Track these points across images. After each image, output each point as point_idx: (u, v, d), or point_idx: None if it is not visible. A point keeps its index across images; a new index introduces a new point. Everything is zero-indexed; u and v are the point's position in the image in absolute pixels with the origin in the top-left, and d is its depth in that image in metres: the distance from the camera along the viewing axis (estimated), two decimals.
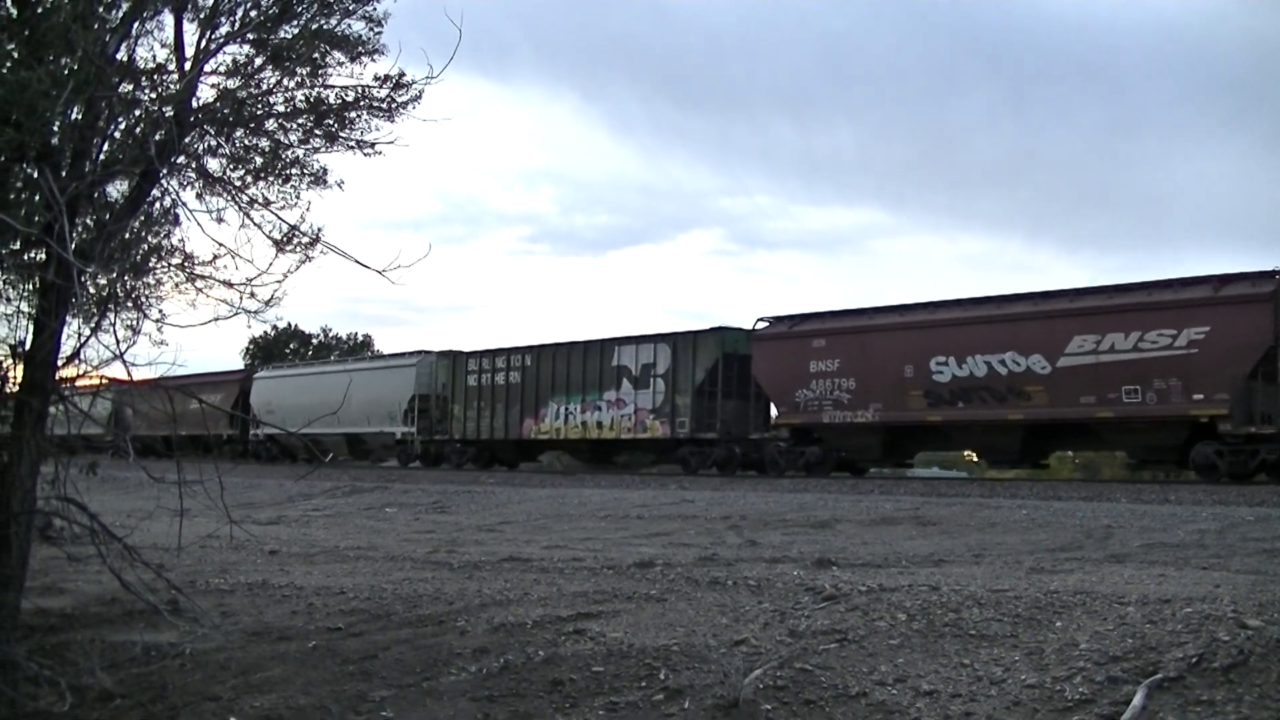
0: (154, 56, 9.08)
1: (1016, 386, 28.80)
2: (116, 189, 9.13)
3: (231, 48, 9.08)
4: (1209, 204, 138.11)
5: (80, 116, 8.25)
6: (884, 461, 34.87)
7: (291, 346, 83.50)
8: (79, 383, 8.92)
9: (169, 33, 8.94)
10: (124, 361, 8.30)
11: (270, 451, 54.41)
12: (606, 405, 38.67)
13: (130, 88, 8.80)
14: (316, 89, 9.42)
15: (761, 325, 35.07)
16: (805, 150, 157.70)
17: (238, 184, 9.45)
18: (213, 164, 9.51)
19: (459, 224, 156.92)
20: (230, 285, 9.36)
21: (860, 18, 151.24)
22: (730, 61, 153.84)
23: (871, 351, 31.71)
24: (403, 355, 49.18)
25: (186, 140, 8.88)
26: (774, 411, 34.87)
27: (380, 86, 9.38)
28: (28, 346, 8.44)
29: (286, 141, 9.54)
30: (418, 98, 9.40)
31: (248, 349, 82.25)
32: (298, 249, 9.30)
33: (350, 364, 52.03)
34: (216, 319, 9.42)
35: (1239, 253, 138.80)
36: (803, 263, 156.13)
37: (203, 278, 9.43)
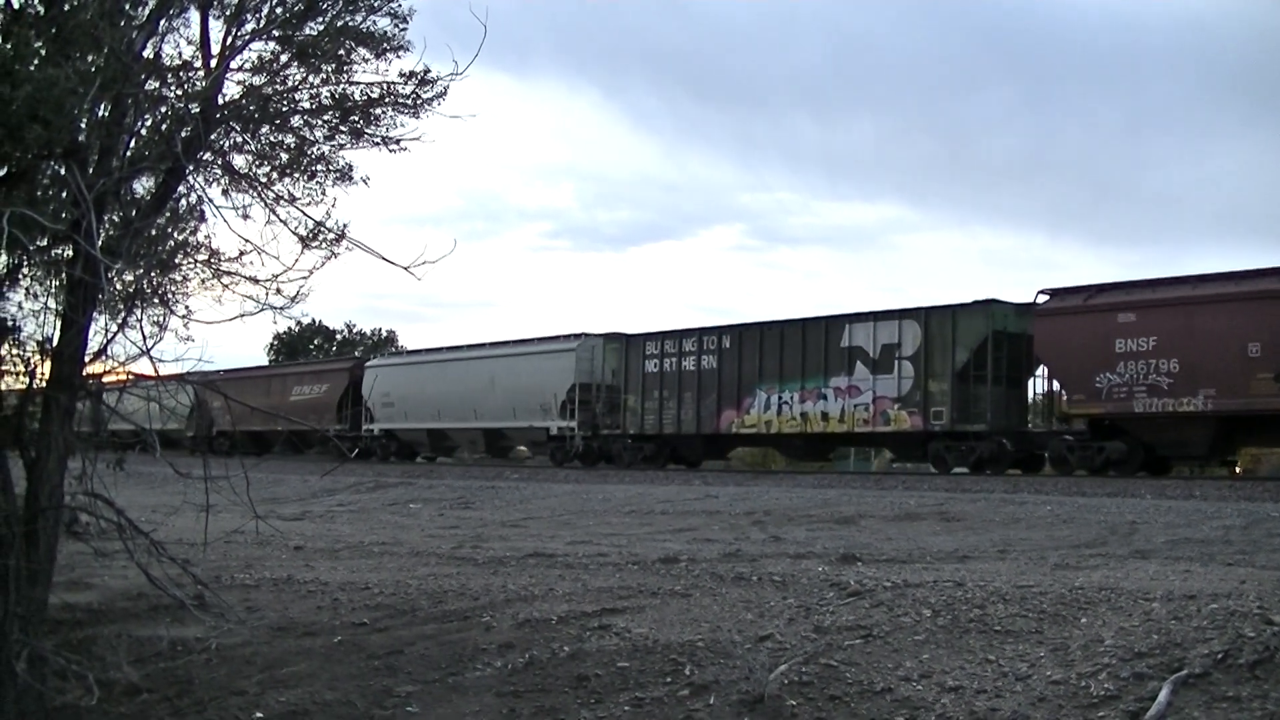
0: (180, 53, 9.12)
1: None
2: (143, 186, 9.18)
3: (257, 44, 9.10)
4: (1229, 199, 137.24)
5: (107, 113, 8.28)
6: (1209, 458, 29.33)
7: (315, 342, 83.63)
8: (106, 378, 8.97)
9: (195, 30, 8.99)
10: (151, 358, 8.35)
11: (387, 449, 49.33)
12: (834, 393, 32.94)
13: (157, 85, 8.83)
14: (342, 85, 9.43)
15: (1043, 298, 29.36)
16: (826, 146, 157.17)
17: (263, 180, 9.48)
18: (238, 160, 9.54)
19: (480, 219, 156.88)
20: (256, 281, 9.40)
21: (878, 13, 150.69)
22: (750, 57, 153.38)
23: (1201, 327, 26.30)
24: (558, 339, 42.54)
25: (212, 137, 8.91)
26: (1063, 399, 29.18)
27: (405, 83, 9.39)
28: (55, 343, 8.48)
29: (312, 138, 9.56)
30: (443, 94, 9.41)
31: (272, 345, 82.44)
32: (323, 245, 9.33)
33: (490, 349, 45.67)
34: (242, 315, 9.47)
35: (1260, 248, 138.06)
36: (825, 258, 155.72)
37: (229, 274, 9.47)
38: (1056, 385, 29.57)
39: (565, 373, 40.35)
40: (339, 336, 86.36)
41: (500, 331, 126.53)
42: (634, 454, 38.21)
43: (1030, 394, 31.63)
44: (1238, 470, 33.71)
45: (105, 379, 8.98)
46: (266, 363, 73.60)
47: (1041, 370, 30.36)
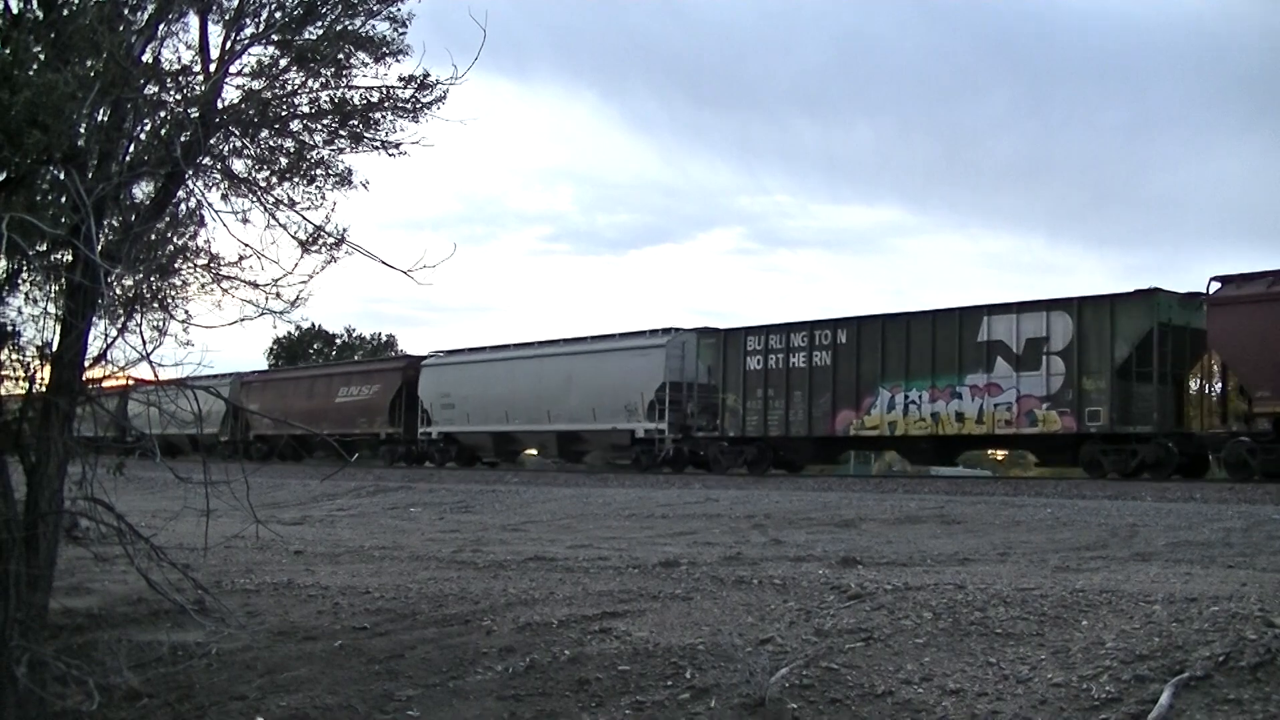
0: (179, 58, 9.11)
1: None
2: (142, 190, 9.18)
3: (256, 49, 9.10)
4: (1230, 202, 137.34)
5: (106, 118, 8.29)
6: None
7: (315, 347, 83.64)
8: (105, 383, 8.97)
9: (194, 34, 8.98)
10: (150, 362, 8.36)
11: (446, 454, 46.57)
12: (971, 392, 30.44)
13: (156, 89, 8.83)
14: (341, 90, 9.43)
15: (1215, 286, 26.66)
16: (825, 149, 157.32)
17: (263, 185, 9.48)
18: (238, 165, 9.54)
19: (479, 224, 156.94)
20: (256, 286, 9.39)
21: (878, 16, 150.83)
22: (748, 60, 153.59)
23: None
24: (644, 334, 39.70)
25: (212, 141, 8.91)
26: (1242, 397, 26.76)
27: (405, 87, 9.39)
28: (55, 348, 8.48)
29: (311, 142, 9.56)
30: (442, 98, 9.40)
31: (272, 349, 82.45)
32: (323, 249, 9.33)
33: (567, 346, 42.76)
34: (242, 319, 9.45)
35: (1260, 251, 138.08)
36: (824, 262, 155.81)
37: (228, 278, 9.46)
38: (1233, 382, 27.41)
39: (654, 370, 38.01)
40: (339, 341, 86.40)
41: (499, 335, 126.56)
42: (732, 458, 35.98)
43: (1191, 391, 29.61)
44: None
45: (129, 383, 9.00)
46: (318, 361, 72.11)
47: (1208, 365, 28.39)
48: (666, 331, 38.73)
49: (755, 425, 34.90)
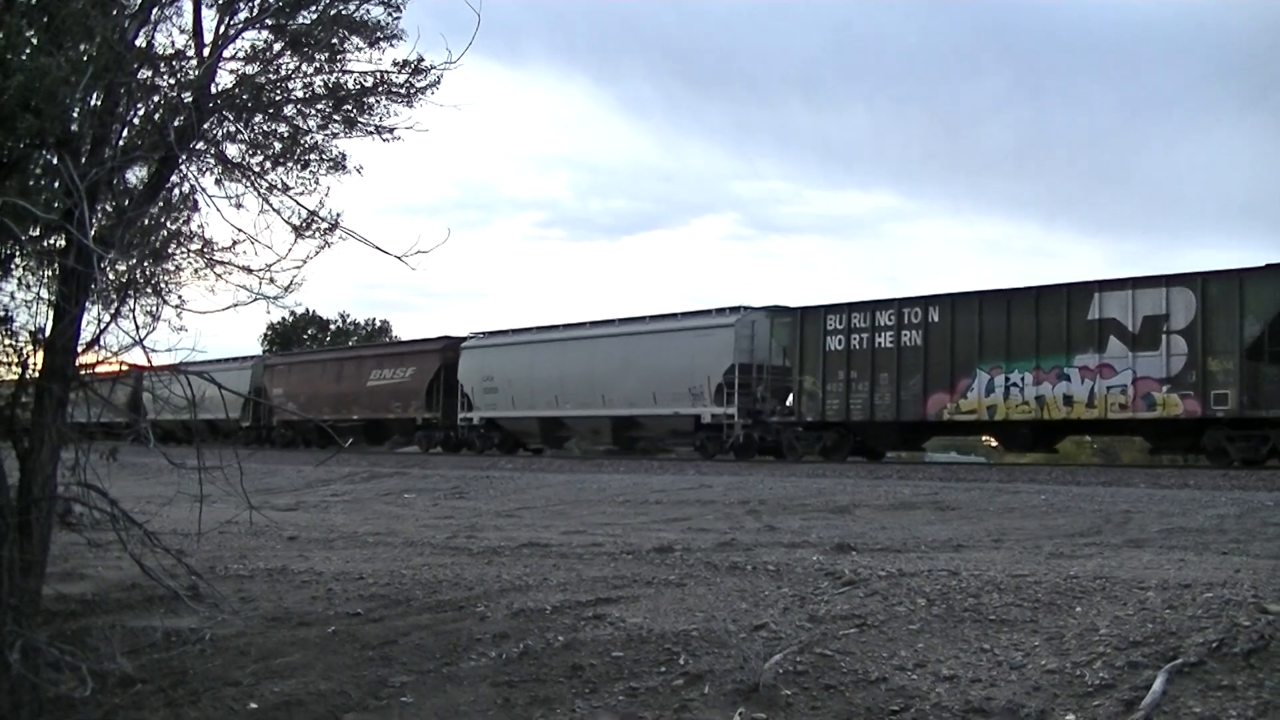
0: (173, 42, 9.07)
1: None
2: (136, 175, 9.14)
3: (250, 33, 9.06)
4: (1226, 187, 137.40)
5: (100, 103, 8.25)
6: None
7: (310, 332, 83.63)
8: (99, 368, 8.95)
9: (188, 18, 8.94)
10: (144, 348, 8.34)
11: (488, 440, 44.20)
12: (1080, 374, 28.35)
13: (149, 74, 8.81)
14: (335, 74, 9.40)
15: None
16: (819, 134, 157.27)
17: (257, 170, 9.45)
18: (232, 150, 9.51)
19: (474, 209, 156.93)
20: (249, 271, 9.36)
21: (873, 0, 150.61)
22: (742, 44, 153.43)
23: None
24: (711, 313, 37.42)
25: (205, 126, 8.88)
26: None
27: (399, 72, 9.37)
28: (48, 333, 8.46)
29: (305, 127, 9.53)
30: (436, 83, 9.38)
31: (266, 335, 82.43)
32: (317, 234, 9.30)
33: (624, 326, 40.10)
34: (236, 305, 9.42)
35: (1256, 236, 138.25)
36: (819, 247, 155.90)
37: (222, 263, 9.43)
38: None
39: (722, 351, 35.65)
40: (333, 326, 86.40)
41: (495, 321, 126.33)
42: (809, 444, 33.89)
43: None
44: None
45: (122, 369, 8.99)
46: (350, 344, 69.54)
47: None
48: (735, 310, 36.59)
49: (836, 409, 32.92)
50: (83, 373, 8.66)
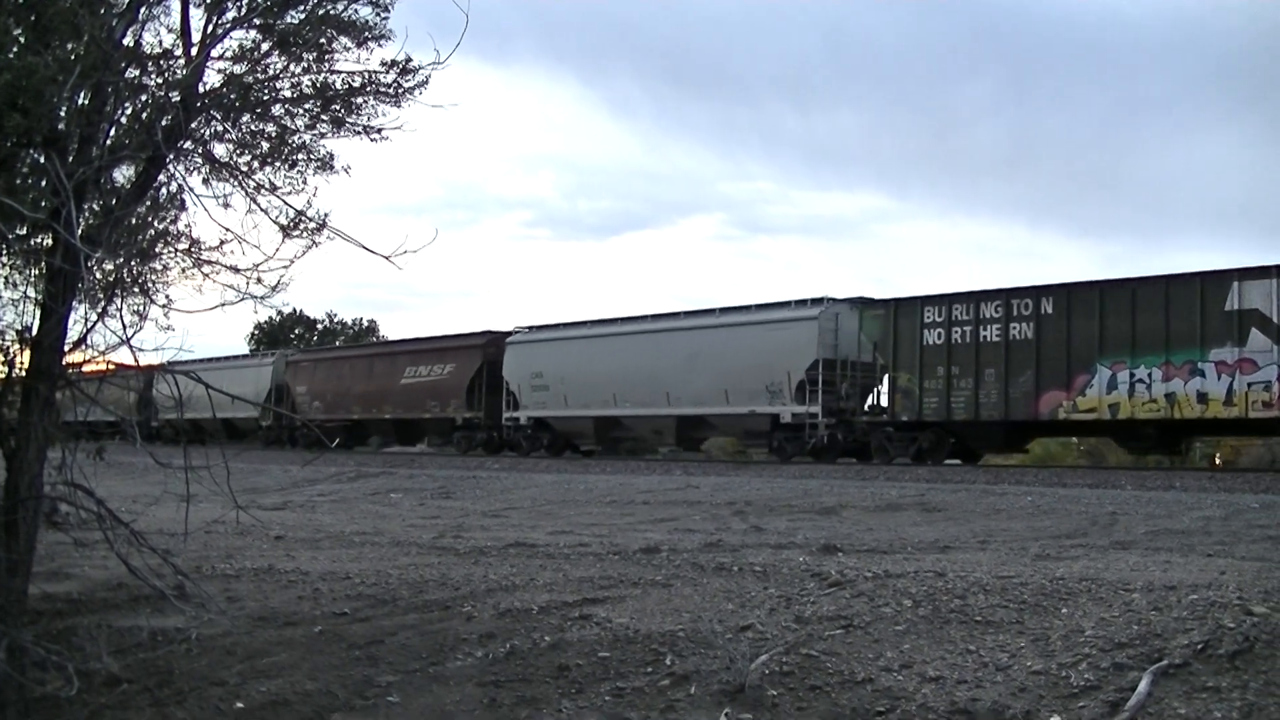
0: (160, 42, 9.05)
1: None
2: (123, 174, 9.13)
3: (238, 33, 9.05)
4: (1213, 191, 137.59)
5: (87, 102, 8.25)
6: None
7: (297, 332, 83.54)
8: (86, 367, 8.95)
9: (176, 18, 8.93)
10: (131, 347, 8.33)
11: (536, 441, 41.21)
12: (1215, 370, 25.74)
13: (137, 73, 8.80)
14: (323, 74, 9.39)
15: None
16: (807, 135, 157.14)
17: (244, 169, 9.44)
18: (219, 149, 9.49)
19: (461, 209, 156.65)
20: (237, 270, 9.35)
21: (862, 1, 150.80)
22: (731, 45, 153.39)
23: None
24: (790, 304, 34.43)
25: (193, 125, 8.87)
26: None
27: (387, 72, 9.36)
28: (35, 332, 8.45)
29: (293, 127, 9.52)
30: (424, 83, 9.37)
31: (253, 334, 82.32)
32: (304, 234, 9.29)
33: (690, 319, 37.41)
34: (223, 304, 9.41)
35: (1247, 239, 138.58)
36: (806, 248, 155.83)
37: (209, 263, 9.42)
38: None
39: (804, 346, 32.77)
40: (320, 326, 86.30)
41: (482, 321, 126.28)
42: (902, 446, 31.14)
43: None
44: (1218, 462, 33.22)
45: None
46: (377, 340, 66.16)
47: None
48: (818, 301, 33.61)
49: (935, 408, 30.29)
50: (97, 370, 8.68)
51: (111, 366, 9.06)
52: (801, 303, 34.03)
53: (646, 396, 37.18)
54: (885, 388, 32.68)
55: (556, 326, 42.29)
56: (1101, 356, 27.28)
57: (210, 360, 56.70)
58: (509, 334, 43.19)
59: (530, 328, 42.99)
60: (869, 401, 33.68)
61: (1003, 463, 32.45)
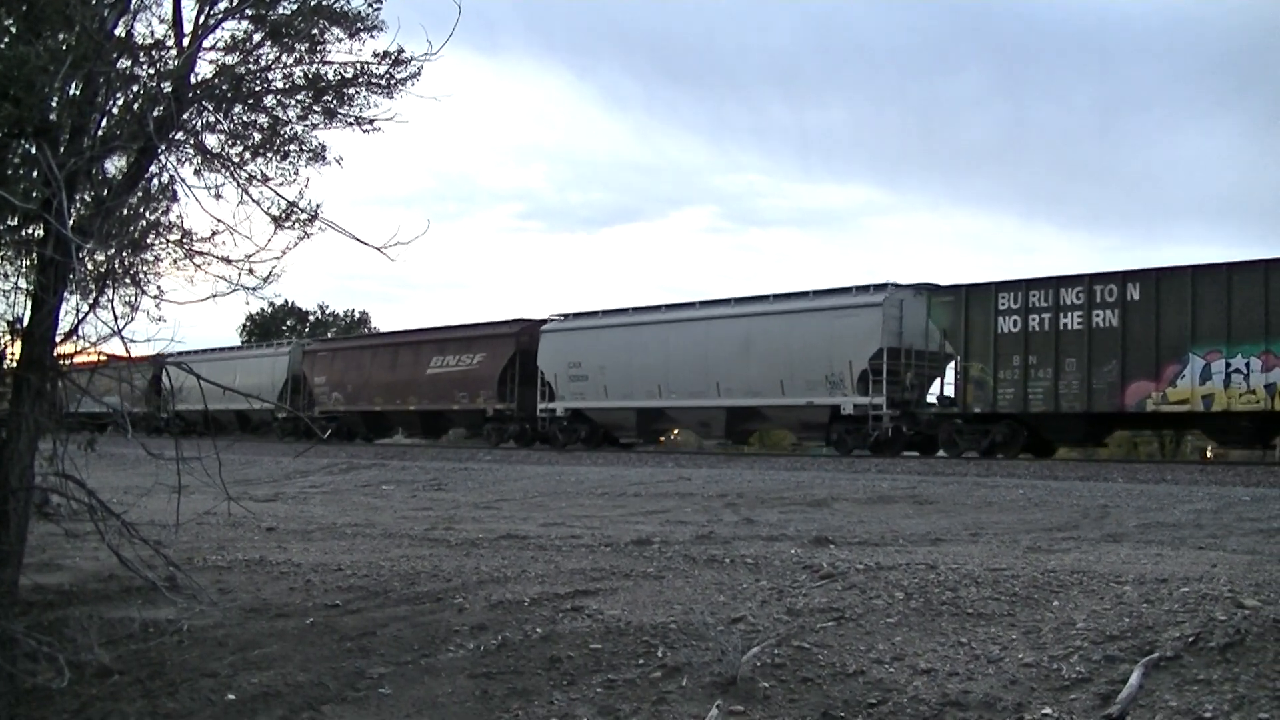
0: (152, 32, 9.05)
1: None
2: (115, 165, 9.13)
3: (230, 23, 9.06)
4: (1203, 183, 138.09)
5: (79, 92, 8.23)
6: None
7: (289, 324, 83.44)
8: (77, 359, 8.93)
9: (167, 8, 8.93)
10: (122, 338, 8.31)
11: (573, 433, 39.38)
12: None
13: (129, 63, 8.78)
14: (315, 65, 9.39)
15: None
16: (798, 128, 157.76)
17: (236, 160, 9.43)
18: (211, 140, 9.49)
19: (452, 200, 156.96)
20: (229, 262, 9.34)
21: None
22: (723, 37, 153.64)
23: None
24: (852, 290, 32.51)
25: (185, 116, 8.86)
26: None
27: (379, 63, 9.36)
28: (26, 323, 8.43)
29: (285, 118, 9.51)
30: (417, 74, 9.37)
31: (245, 325, 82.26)
32: (296, 225, 9.28)
33: (741, 306, 35.39)
34: (215, 295, 9.40)
35: (1236, 231, 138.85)
36: (797, 240, 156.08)
37: (201, 254, 9.41)
38: None
39: (868, 334, 31.10)
40: (312, 318, 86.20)
41: (474, 313, 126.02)
42: (973, 439, 29.56)
43: None
44: (1208, 455, 33.05)
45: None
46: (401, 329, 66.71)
47: None
48: (881, 287, 31.78)
49: (1010, 399, 28.61)
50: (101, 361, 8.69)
51: (112, 358, 9.04)
52: (864, 289, 32.24)
53: (695, 387, 35.49)
54: (950, 378, 31.42)
55: (596, 314, 40.45)
56: (1194, 345, 25.69)
57: (222, 350, 56.42)
58: (543, 322, 41.39)
59: (566, 315, 41.23)
60: (930, 392, 32.36)
61: (1079, 457, 31.20)
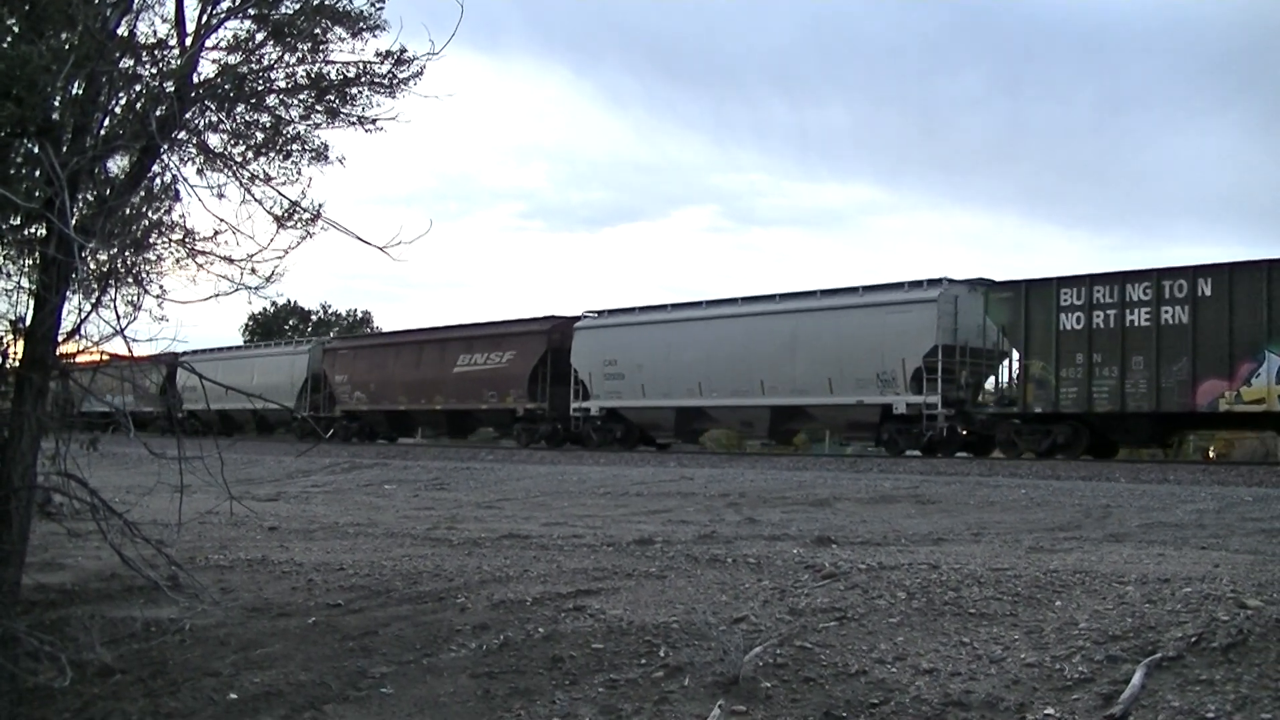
0: (155, 31, 9.06)
1: None
2: (117, 164, 9.12)
3: (233, 23, 9.06)
4: (1204, 182, 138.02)
5: (81, 91, 8.23)
6: None
7: (291, 323, 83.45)
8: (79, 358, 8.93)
9: (170, 7, 8.93)
10: (125, 337, 8.31)
11: (608, 433, 38.32)
12: None
13: (131, 63, 8.78)
14: (318, 65, 9.39)
15: None
16: (798, 127, 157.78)
17: (239, 160, 9.43)
18: (214, 139, 9.49)
19: (453, 200, 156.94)
20: (231, 261, 9.33)
21: None
22: (723, 36, 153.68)
23: None
24: (904, 286, 31.37)
25: (187, 116, 8.86)
26: None
27: (381, 62, 9.36)
28: (28, 322, 8.43)
29: (287, 117, 9.52)
30: (419, 74, 9.37)
31: (247, 325, 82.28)
32: (298, 225, 9.28)
33: (787, 302, 34.08)
34: (217, 295, 9.40)
35: (1236, 229, 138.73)
36: (798, 239, 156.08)
37: (203, 254, 9.40)
38: None
39: (923, 330, 29.96)
40: (314, 317, 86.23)
41: (471, 311, 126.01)
42: (1034, 440, 28.60)
43: None
44: (1211, 455, 32.90)
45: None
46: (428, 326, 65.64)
47: None
48: (935, 283, 30.57)
49: (1074, 399, 27.51)
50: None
51: (116, 357, 9.04)
52: (917, 284, 31.04)
53: (737, 385, 34.27)
54: (1005, 376, 30.66)
55: (633, 310, 39.20)
56: (1270, 342, 24.51)
57: (238, 348, 56.16)
58: (576, 319, 40.13)
59: (600, 312, 39.98)
60: (984, 391, 31.47)
61: (1151, 459, 30.12)
